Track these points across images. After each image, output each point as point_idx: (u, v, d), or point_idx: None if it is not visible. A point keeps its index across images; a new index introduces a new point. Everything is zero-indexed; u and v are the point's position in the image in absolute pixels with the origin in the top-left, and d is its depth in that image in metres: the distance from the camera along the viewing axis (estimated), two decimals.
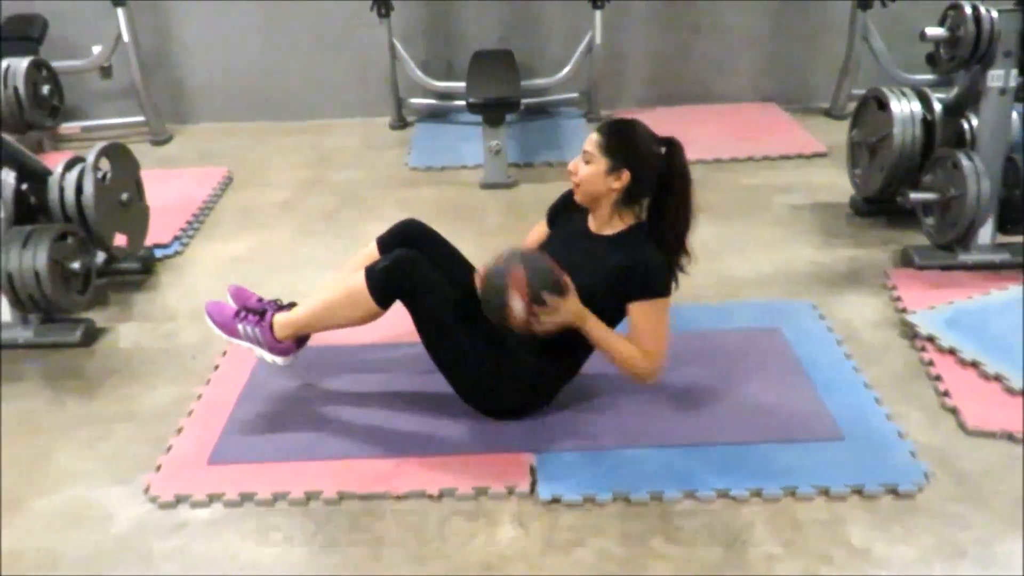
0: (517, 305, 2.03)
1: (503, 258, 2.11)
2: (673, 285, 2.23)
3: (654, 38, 4.96)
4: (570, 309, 2.10)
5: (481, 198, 3.96)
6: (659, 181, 2.22)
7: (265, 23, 4.90)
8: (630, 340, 2.18)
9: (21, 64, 2.74)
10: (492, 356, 2.24)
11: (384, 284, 2.18)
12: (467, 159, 4.33)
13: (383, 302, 2.20)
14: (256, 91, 5.06)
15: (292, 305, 2.37)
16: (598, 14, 4.60)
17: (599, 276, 2.17)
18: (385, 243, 2.48)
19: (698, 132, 4.53)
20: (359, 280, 2.20)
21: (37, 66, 2.82)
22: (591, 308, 2.15)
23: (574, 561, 1.93)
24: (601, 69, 4.81)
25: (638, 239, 2.23)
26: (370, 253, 2.48)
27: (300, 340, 2.37)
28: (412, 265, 2.21)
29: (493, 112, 3.93)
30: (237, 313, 2.35)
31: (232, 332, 2.34)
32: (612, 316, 2.21)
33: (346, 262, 2.61)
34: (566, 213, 2.41)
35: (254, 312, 2.34)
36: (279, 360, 2.34)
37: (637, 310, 2.16)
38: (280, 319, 2.31)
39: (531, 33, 4.96)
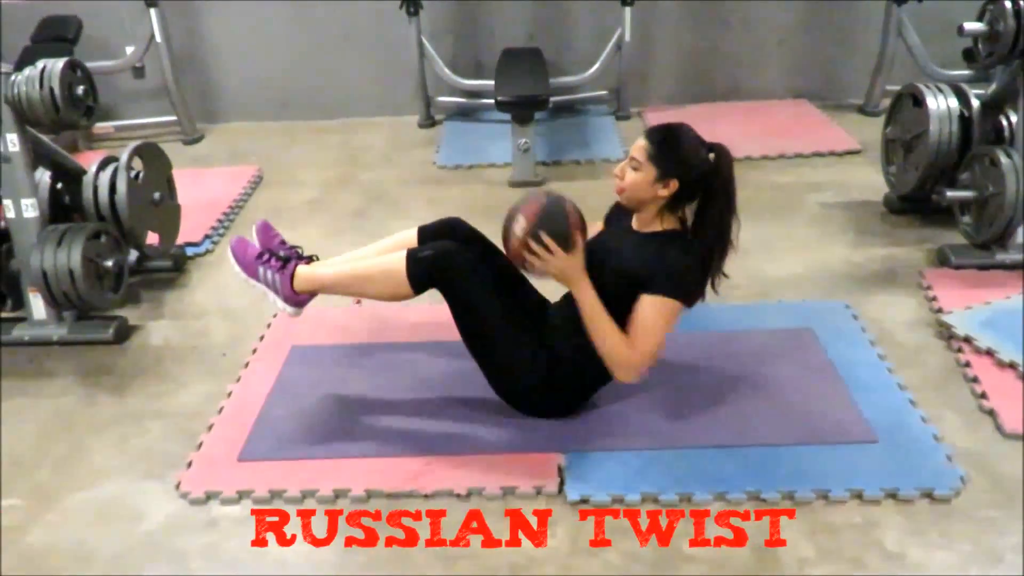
0: (517, 228, 2.09)
1: (541, 191, 2.19)
2: (698, 296, 2.19)
3: (684, 35, 4.92)
4: (563, 265, 2.09)
5: (509, 197, 3.87)
6: (705, 186, 2.19)
7: (295, 23, 4.93)
8: (627, 328, 2.12)
9: (57, 65, 2.76)
10: (532, 353, 2.23)
11: (424, 273, 2.18)
12: (495, 157, 4.33)
13: (418, 288, 2.20)
14: (286, 90, 5.09)
15: (311, 258, 2.36)
16: (627, 11, 4.57)
17: (626, 265, 2.16)
18: (427, 234, 2.44)
19: (729, 130, 4.44)
20: (398, 261, 2.19)
21: (72, 67, 2.84)
22: (610, 295, 2.12)
23: (603, 562, 1.91)
24: (630, 67, 4.77)
25: (675, 239, 2.20)
26: (408, 239, 2.44)
27: (313, 293, 2.34)
28: (455, 258, 2.20)
29: (521, 110, 3.91)
30: (260, 255, 2.32)
31: (252, 273, 2.31)
32: (628, 312, 2.16)
33: (383, 240, 2.53)
34: (618, 213, 2.40)
35: (278, 258, 2.31)
36: (290, 310, 2.30)
37: (645, 302, 2.09)
38: (303, 273, 2.28)
39: (560, 31, 4.94)
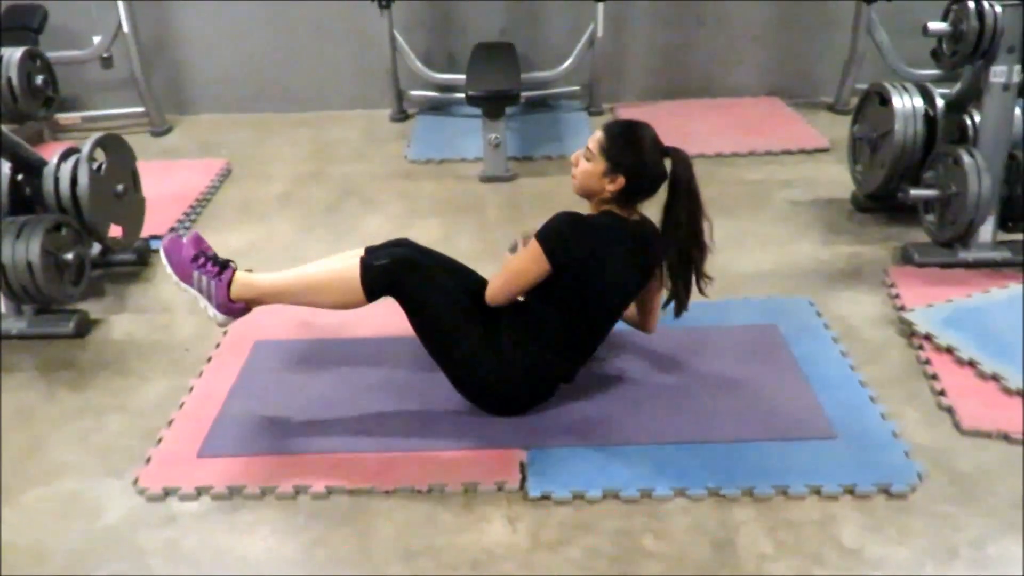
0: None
1: None
2: (556, 248, 2.17)
3: (657, 31, 4.93)
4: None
5: (480, 191, 3.94)
6: (668, 191, 2.20)
7: (266, 14, 4.88)
8: None
9: (15, 54, 2.72)
10: (491, 354, 2.23)
11: (379, 280, 2.17)
12: (467, 152, 4.31)
13: (372, 296, 2.18)
14: (257, 82, 5.05)
15: (249, 272, 2.27)
16: (600, 7, 4.57)
17: None
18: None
19: (700, 126, 4.49)
20: (351, 268, 2.17)
21: (31, 56, 2.80)
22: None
23: (563, 559, 1.91)
24: (603, 62, 4.78)
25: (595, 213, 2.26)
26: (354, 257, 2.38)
27: (249, 305, 2.27)
28: (410, 266, 2.19)
29: (492, 105, 3.90)
30: (195, 258, 2.22)
31: (185, 277, 2.21)
32: (560, 287, 2.21)
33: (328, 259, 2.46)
34: None
35: (214, 262, 2.22)
36: (221, 318, 2.23)
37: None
38: (242, 279, 2.21)
39: (533, 25, 4.93)
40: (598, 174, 2.19)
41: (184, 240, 2.29)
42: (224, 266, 2.23)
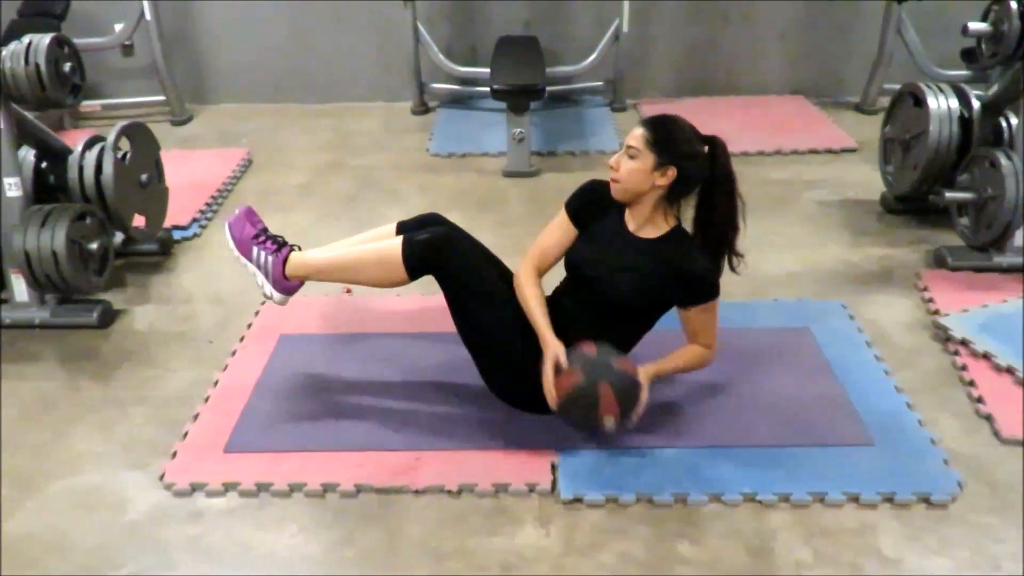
0: (609, 424, 2.06)
1: (586, 371, 2.03)
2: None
3: (682, 27, 4.88)
4: (646, 399, 2.11)
5: (503, 186, 3.90)
6: (704, 181, 2.16)
7: (288, 4, 4.85)
8: (689, 338, 2.24)
9: (43, 41, 2.68)
10: (525, 343, 2.18)
11: (421, 257, 2.15)
12: (489, 146, 4.27)
13: (414, 273, 2.16)
14: (278, 72, 5.02)
15: (294, 248, 2.32)
16: (626, 2, 4.52)
17: (647, 283, 2.14)
18: (407, 229, 2.38)
19: (725, 124, 4.43)
20: (394, 246, 2.17)
21: (59, 43, 2.76)
22: (632, 309, 2.17)
23: (596, 563, 1.88)
24: (627, 58, 4.73)
25: (683, 245, 2.17)
26: (386, 233, 2.40)
27: (301, 282, 2.32)
28: (452, 243, 2.18)
29: (517, 99, 3.86)
30: (257, 236, 2.30)
31: (246, 253, 2.29)
32: (652, 315, 2.22)
33: (360, 235, 2.51)
34: (596, 210, 2.26)
35: (274, 240, 2.30)
36: (277, 296, 2.29)
37: (695, 313, 2.18)
38: (295, 259, 2.27)
39: (557, 19, 4.88)
40: (647, 170, 2.11)
41: (241, 215, 2.36)
42: (282, 244, 2.30)
